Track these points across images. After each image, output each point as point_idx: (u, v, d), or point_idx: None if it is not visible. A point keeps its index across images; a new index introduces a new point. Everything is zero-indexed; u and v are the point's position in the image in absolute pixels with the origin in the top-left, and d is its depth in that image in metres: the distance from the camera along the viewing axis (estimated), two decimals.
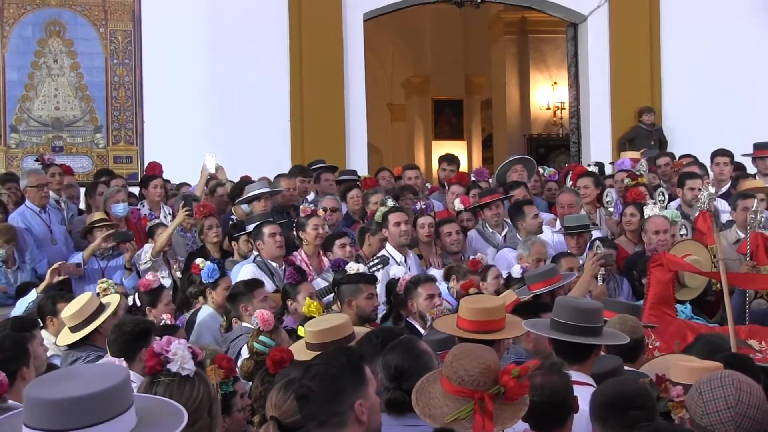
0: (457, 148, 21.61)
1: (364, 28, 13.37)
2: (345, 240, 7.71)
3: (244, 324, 5.97)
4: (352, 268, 6.67)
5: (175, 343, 2.98)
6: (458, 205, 8.95)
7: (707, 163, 10.10)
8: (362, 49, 13.25)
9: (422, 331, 6.12)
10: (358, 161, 12.70)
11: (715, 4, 13.67)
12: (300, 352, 4.71)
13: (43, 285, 7.14)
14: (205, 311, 6.69)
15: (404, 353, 3.78)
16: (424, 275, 6.94)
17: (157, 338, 4.52)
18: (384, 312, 6.73)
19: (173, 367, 2.96)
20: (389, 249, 7.70)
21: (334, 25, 13.01)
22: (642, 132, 13.25)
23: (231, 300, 6.22)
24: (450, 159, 10.71)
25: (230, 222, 8.72)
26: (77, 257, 7.84)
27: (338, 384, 3.14)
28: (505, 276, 7.24)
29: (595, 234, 8.30)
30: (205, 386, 3.03)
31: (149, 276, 6.65)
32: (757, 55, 13.61)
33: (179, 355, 2.96)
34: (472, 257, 7.44)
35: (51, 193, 8.76)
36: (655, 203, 8.53)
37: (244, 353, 5.30)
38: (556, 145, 18.26)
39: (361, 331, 5.06)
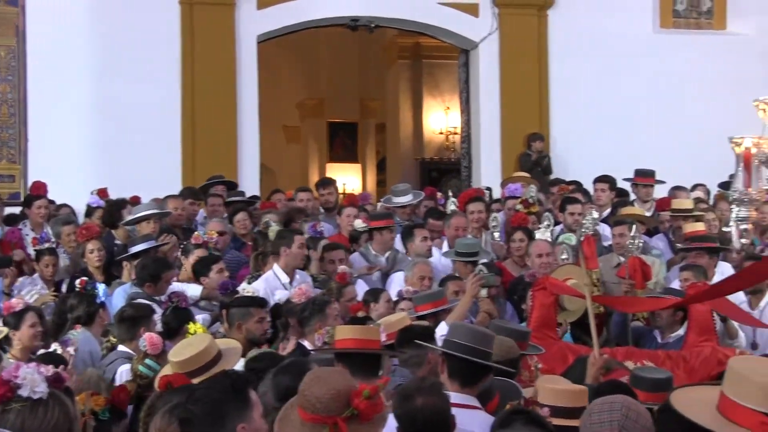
0: (351, 171, 21.74)
1: (260, 49, 13.31)
2: (220, 265, 7.67)
3: (120, 348, 5.88)
4: (247, 290, 6.60)
5: (24, 367, 2.96)
6: (359, 224, 8.96)
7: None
8: (256, 71, 13.18)
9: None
10: (250, 182, 12.59)
11: (603, 32, 13.93)
12: None
13: None
14: (83, 335, 6.49)
15: (296, 374, 3.77)
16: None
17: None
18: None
19: (24, 392, 2.94)
20: (277, 270, 7.59)
21: (227, 46, 12.91)
22: (528, 160, 13.42)
23: (131, 321, 6.00)
24: (324, 183, 10.76)
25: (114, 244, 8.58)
26: None
27: (220, 408, 3.12)
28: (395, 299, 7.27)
29: (483, 259, 8.39)
30: (61, 407, 2.98)
31: (13, 300, 6.49)
32: (644, 82, 13.92)
33: (29, 379, 2.94)
34: (338, 272, 7.37)
35: None
36: (545, 228, 8.70)
37: (119, 378, 5.21)
38: (448, 169, 18.46)
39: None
